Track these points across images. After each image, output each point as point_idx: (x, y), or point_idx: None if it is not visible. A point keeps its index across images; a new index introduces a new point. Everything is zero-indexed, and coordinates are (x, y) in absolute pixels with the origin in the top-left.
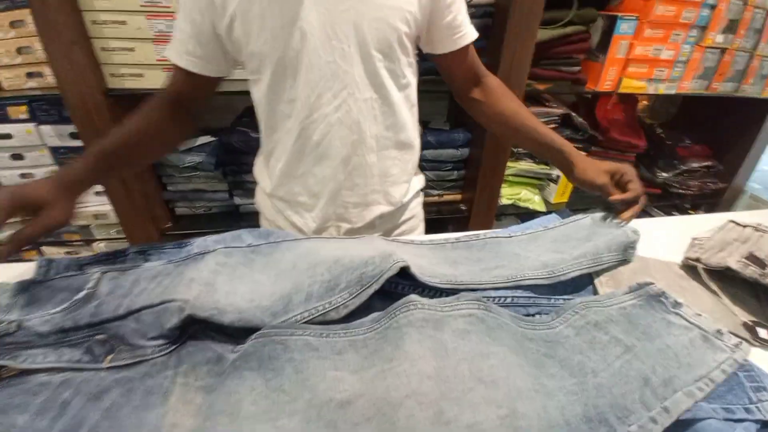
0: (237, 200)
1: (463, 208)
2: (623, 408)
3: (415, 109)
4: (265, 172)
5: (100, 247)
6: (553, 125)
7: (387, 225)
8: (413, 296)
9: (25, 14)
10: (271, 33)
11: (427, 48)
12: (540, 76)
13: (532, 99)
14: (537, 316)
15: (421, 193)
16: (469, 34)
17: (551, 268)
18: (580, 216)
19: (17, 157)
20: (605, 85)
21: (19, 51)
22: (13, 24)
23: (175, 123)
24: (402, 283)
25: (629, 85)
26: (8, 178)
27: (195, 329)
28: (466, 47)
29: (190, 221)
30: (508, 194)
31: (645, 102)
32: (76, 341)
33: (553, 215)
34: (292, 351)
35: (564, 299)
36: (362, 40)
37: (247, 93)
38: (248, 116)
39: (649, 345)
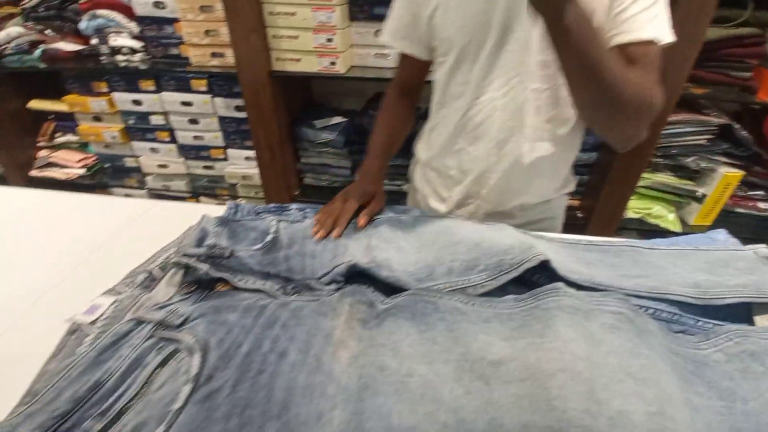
0: (356, 177)
1: (580, 215)
2: None
3: None
4: (425, 143)
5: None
6: (707, 136)
7: (526, 217)
8: (560, 284)
9: (214, 0)
10: (462, 22)
11: None
12: (701, 79)
13: (684, 104)
14: (680, 335)
15: (567, 197)
16: (634, 31)
17: (704, 289)
18: (742, 246)
19: (193, 121)
20: None
21: (207, 33)
22: (203, 8)
23: (410, 111)
24: (539, 274)
25: None
26: (185, 138)
27: (352, 281)
28: (623, 46)
29: (315, 191)
30: (636, 207)
31: None
32: (275, 280)
33: (703, 236)
34: (442, 312)
35: (714, 324)
36: (544, 32)
37: (377, 79)
38: (379, 100)
39: None
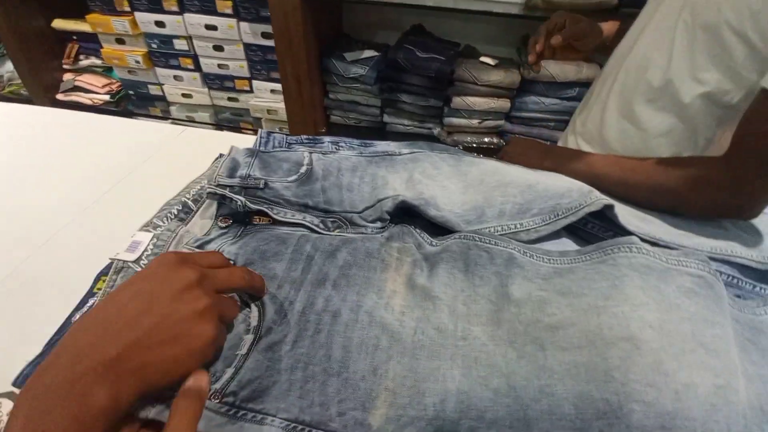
0: (386, 118)
1: None
2: None
3: None
4: None
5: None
6: None
7: None
8: (634, 238)
9: None
10: None
11: None
12: None
13: None
14: (738, 299)
15: None
16: None
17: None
18: None
19: (218, 48)
20: None
21: None
22: None
23: None
24: (593, 222)
25: None
26: (209, 66)
27: (396, 220)
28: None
29: (342, 130)
30: None
31: None
32: (314, 213)
33: None
34: (497, 264)
35: None
36: None
37: (416, 7)
38: (415, 34)
39: None
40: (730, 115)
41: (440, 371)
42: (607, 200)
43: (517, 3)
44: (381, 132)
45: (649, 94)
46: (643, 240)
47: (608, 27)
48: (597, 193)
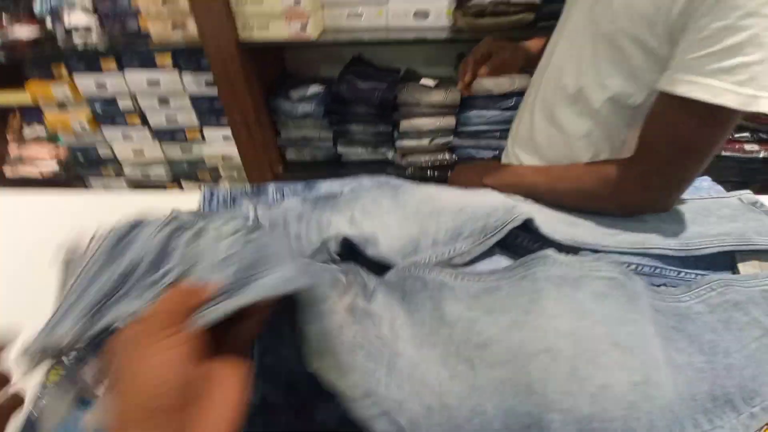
0: (340, 149)
1: None
2: (751, 390)
3: None
4: None
5: (225, 185)
6: None
7: None
8: (550, 251)
9: None
10: None
11: None
12: None
13: None
14: (662, 287)
15: None
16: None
17: (686, 240)
18: (726, 193)
19: (164, 101)
20: None
21: (164, 2)
22: None
23: None
24: (522, 235)
25: None
26: (157, 121)
27: (347, 258)
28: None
29: (299, 167)
30: None
31: None
32: None
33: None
34: (430, 289)
35: (696, 274)
36: None
37: (353, 44)
38: (356, 65)
39: None
40: (638, 116)
41: (374, 375)
42: (526, 215)
43: (445, 27)
44: (337, 163)
45: (566, 100)
46: (567, 247)
47: (533, 44)
48: (520, 207)
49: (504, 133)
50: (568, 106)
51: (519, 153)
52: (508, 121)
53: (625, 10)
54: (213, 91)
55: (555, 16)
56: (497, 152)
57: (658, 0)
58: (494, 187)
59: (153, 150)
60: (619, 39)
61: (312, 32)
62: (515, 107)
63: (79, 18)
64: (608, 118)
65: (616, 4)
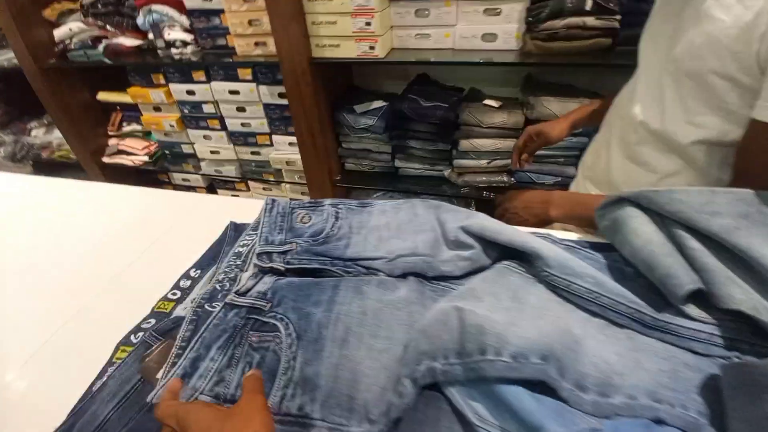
0: (397, 163)
1: None
2: None
3: None
4: None
5: (286, 187)
6: None
7: None
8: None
9: None
10: None
11: None
12: None
13: None
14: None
15: None
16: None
17: None
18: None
19: (241, 109)
20: None
21: (250, 23)
22: None
23: None
24: None
25: None
26: (233, 125)
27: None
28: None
29: (356, 176)
30: None
31: None
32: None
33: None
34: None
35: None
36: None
37: (418, 63)
38: (420, 84)
39: None
40: (732, 152)
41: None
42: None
43: (513, 50)
44: (394, 176)
45: (649, 137)
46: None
47: (577, 114)
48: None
49: (569, 159)
50: (650, 143)
51: (590, 188)
52: (572, 148)
53: (710, 48)
54: (284, 102)
55: (634, 41)
56: (559, 179)
57: (746, 35)
58: (562, 221)
59: (227, 151)
60: (706, 77)
61: (380, 52)
62: (584, 134)
63: (177, 34)
64: (699, 155)
65: (698, 42)
